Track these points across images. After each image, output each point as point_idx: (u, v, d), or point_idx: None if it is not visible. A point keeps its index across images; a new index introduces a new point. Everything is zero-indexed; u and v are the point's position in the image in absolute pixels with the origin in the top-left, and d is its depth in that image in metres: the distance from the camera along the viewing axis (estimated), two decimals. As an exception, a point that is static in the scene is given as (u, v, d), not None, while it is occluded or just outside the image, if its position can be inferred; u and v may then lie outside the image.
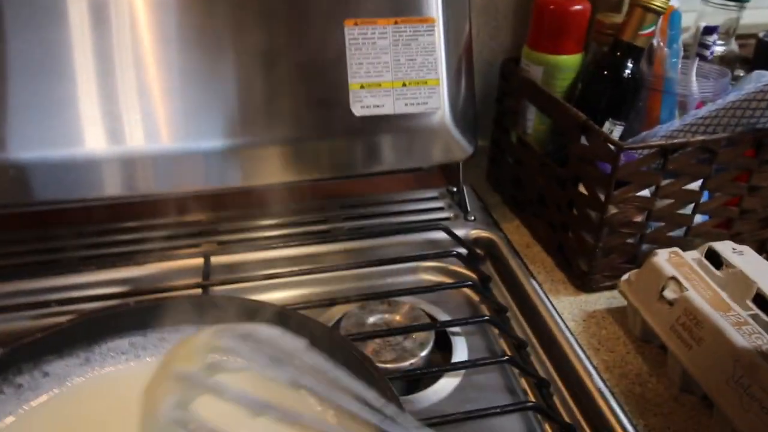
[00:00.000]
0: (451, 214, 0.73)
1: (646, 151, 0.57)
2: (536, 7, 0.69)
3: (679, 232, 0.63)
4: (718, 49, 0.75)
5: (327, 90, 0.64)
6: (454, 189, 0.76)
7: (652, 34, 0.65)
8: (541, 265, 0.68)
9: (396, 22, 0.65)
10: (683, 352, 0.49)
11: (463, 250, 0.66)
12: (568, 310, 0.62)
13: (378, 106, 0.66)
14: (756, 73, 0.65)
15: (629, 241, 0.62)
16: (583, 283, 0.63)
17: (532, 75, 0.70)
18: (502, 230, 0.71)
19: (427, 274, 0.67)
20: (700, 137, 0.57)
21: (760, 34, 0.75)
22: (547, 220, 0.69)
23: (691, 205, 0.61)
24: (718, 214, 0.63)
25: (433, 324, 0.57)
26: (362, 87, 0.65)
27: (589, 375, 0.51)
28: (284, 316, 0.44)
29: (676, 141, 0.56)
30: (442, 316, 0.60)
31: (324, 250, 0.66)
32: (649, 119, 0.70)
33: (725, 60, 0.75)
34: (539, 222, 0.71)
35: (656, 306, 0.53)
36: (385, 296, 0.59)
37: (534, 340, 0.58)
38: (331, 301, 0.58)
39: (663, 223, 0.62)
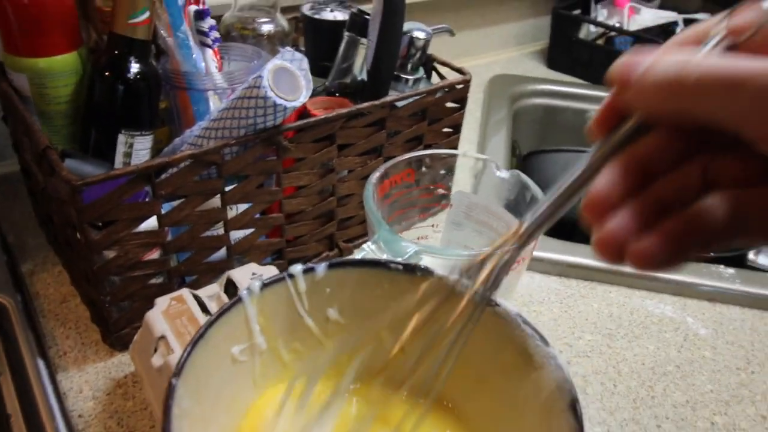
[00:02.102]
0: (-49, 281, 0.55)
1: (126, 179, 0.45)
2: (-5, -2, 0.52)
3: (221, 254, 0.54)
4: (266, 27, 0.67)
5: None
6: (-30, 240, 0.58)
7: (148, 22, 0.53)
8: (75, 324, 0.54)
9: None
10: None
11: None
12: (93, 382, 0.49)
13: None
14: (284, 51, 0.56)
15: (155, 281, 0.51)
16: (114, 342, 0.52)
17: (18, 84, 0.54)
18: (24, 288, 0.56)
19: None
20: (188, 151, 0.47)
21: (303, 9, 0.68)
22: (75, 267, 0.55)
23: (220, 224, 0.52)
24: (261, 224, 0.55)
25: None
26: None
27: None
28: None
29: (152, 162, 0.45)
30: None
31: None
32: (185, 119, 0.59)
33: (274, 39, 0.67)
34: (72, 267, 0.57)
35: (152, 374, 0.43)
36: None
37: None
38: None
39: (193, 252, 0.52)
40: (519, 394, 0.33)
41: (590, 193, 0.25)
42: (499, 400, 0.34)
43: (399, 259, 0.40)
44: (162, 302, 0.45)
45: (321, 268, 0.36)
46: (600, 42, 1.13)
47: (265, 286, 0.34)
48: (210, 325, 0.31)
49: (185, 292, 0.46)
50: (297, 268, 0.35)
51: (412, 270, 0.37)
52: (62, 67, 0.54)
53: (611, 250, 0.24)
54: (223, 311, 0.32)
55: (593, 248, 0.25)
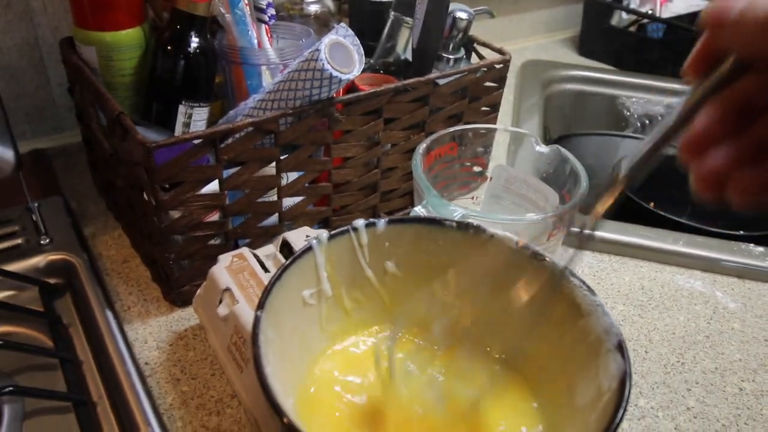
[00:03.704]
0: (22, 240, 0.59)
1: (192, 144, 0.49)
2: (68, -25, 0.56)
3: (273, 219, 0.58)
4: (313, 8, 0.70)
5: None
6: (37, 205, 0.62)
7: (208, 0, 0.56)
8: (136, 282, 0.58)
9: None
10: (236, 376, 0.43)
11: (32, 286, 0.54)
12: (156, 334, 0.53)
13: None
14: (339, 27, 0.58)
15: (213, 242, 0.54)
16: (175, 298, 0.55)
17: (87, 57, 0.58)
18: (89, 249, 0.60)
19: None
20: (249, 120, 0.50)
21: (350, -12, 0.71)
22: (137, 228, 0.59)
23: (273, 191, 0.55)
24: (311, 193, 0.58)
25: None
26: None
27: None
28: None
29: (218, 128, 0.49)
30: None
31: None
32: (239, 93, 0.62)
33: (321, 19, 0.70)
34: (133, 230, 0.60)
35: (217, 324, 0.46)
36: None
37: (104, 395, 0.48)
38: None
39: (249, 216, 0.55)
40: (566, 339, 0.35)
41: (689, 133, 0.25)
42: (549, 346, 0.37)
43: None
44: (225, 259, 0.49)
45: (381, 222, 0.39)
46: (632, 29, 1.14)
47: (332, 236, 0.37)
48: (286, 268, 0.34)
49: (245, 251, 0.50)
50: (360, 222, 0.38)
51: (465, 227, 0.39)
52: (128, 41, 0.58)
53: (712, 184, 0.24)
54: (297, 257, 0.35)
55: (692, 184, 0.25)
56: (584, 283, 0.35)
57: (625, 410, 0.29)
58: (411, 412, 0.36)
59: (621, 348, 0.31)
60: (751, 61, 0.24)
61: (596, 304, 0.34)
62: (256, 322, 0.31)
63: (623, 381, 0.30)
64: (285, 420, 0.27)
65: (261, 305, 0.32)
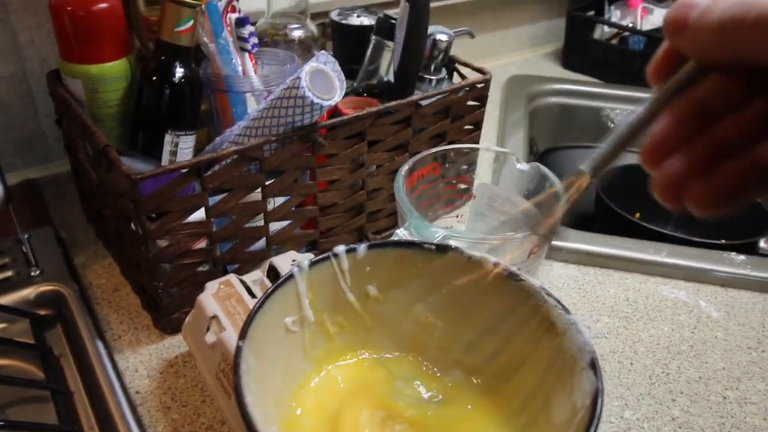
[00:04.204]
0: (12, 273, 0.60)
1: (178, 173, 0.50)
2: (53, 11, 0.57)
3: (261, 244, 0.58)
4: (296, 33, 0.72)
5: None
6: (27, 237, 0.63)
7: (191, 30, 0.57)
8: (127, 310, 0.59)
9: None
10: (225, 402, 0.44)
11: (23, 318, 0.54)
12: (147, 363, 0.53)
13: None
14: (319, 54, 0.60)
15: (201, 269, 0.55)
16: (165, 325, 0.56)
17: (73, 90, 0.59)
18: (79, 278, 0.61)
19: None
20: (234, 147, 0.51)
21: (332, 15, 0.72)
22: (126, 257, 0.59)
23: (260, 216, 0.56)
24: (297, 216, 0.59)
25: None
26: None
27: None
28: None
29: (202, 158, 0.50)
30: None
31: None
32: (224, 120, 0.63)
33: (305, 44, 0.72)
34: (122, 259, 0.61)
35: (205, 351, 0.47)
36: None
37: (95, 426, 0.48)
38: None
39: (236, 241, 0.56)
40: (543, 358, 0.36)
41: (649, 138, 0.25)
42: (527, 365, 0.38)
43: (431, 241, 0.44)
44: (212, 286, 0.49)
45: (362, 248, 0.40)
46: (614, 42, 1.16)
47: (313, 263, 0.38)
48: (267, 296, 0.35)
49: (232, 277, 0.51)
50: (340, 248, 0.39)
51: (443, 249, 0.40)
52: (113, 73, 0.59)
53: (670, 192, 0.24)
54: (277, 285, 0.36)
55: (653, 192, 0.25)
56: (559, 302, 0.36)
57: (597, 427, 0.29)
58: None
59: (594, 366, 0.32)
60: (711, 64, 0.24)
61: (570, 323, 0.35)
62: (238, 351, 0.31)
63: (595, 398, 0.30)
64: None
65: (243, 335, 0.33)
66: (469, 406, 0.39)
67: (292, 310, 0.38)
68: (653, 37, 1.10)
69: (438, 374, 0.41)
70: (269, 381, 0.34)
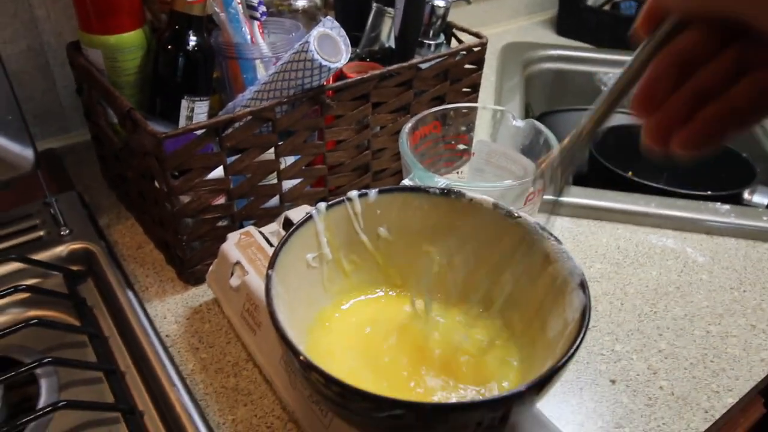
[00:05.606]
0: (43, 233, 0.64)
1: (197, 133, 0.53)
2: (72, -17, 0.60)
3: (275, 201, 0.62)
4: (300, 2, 0.75)
5: None
6: (54, 200, 0.67)
7: (203, 0, 0.61)
8: (152, 265, 0.63)
9: None
10: (251, 339, 0.48)
11: (57, 273, 0.59)
12: (174, 310, 0.58)
13: None
14: (325, 20, 0.63)
15: (220, 224, 0.59)
16: (188, 277, 0.60)
17: (93, 59, 0.62)
18: (105, 237, 0.65)
19: (18, 308, 0.58)
20: (248, 109, 0.55)
21: (334, -18, 0.75)
22: (149, 215, 0.63)
23: (273, 175, 0.60)
24: (308, 175, 0.63)
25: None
26: None
27: (179, 400, 0.48)
28: None
29: (220, 118, 0.54)
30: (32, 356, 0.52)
31: None
32: (236, 86, 0.67)
33: (308, 13, 0.75)
34: (145, 218, 0.65)
35: (230, 294, 0.51)
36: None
37: (131, 365, 0.53)
38: None
39: (252, 198, 0.60)
40: (540, 285, 0.40)
41: (637, 90, 0.28)
42: (526, 293, 0.42)
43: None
44: (233, 236, 0.54)
45: (373, 192, 0.44)
46: (606, 8, 1.19)
47: (329, 206, 0.42)
48: (291, 233, 0.39)
49: (252, 229, 0.55)
50: (354, 193, 0.43)
51: (447, 193, 0.44)
52: (131, 42, 0.62)
53: (657, 138, 0.27)
54: (299, 224, 0.40)
55: (643, 139, 0.28)
56: (552, 234, 0.40)
57: (584, 334, 0.34)
58: (426, 349, 0.41)
59: (583, 286, 0.36)
60: (688, 18, 0.27)
61: (562, 251, 0.39)
62: (268, 278, 0.36)
63: (584, 312, 0.35)
64: (301, 358, 0.32)
65: (272, 265, 0.37)
66: (478, 335, 0.43)
67: (312, 247, 0.42)
68: (644, 2, 1.13)
69: (449, 307, 0.45)
70: (294, 307, 0.39)
